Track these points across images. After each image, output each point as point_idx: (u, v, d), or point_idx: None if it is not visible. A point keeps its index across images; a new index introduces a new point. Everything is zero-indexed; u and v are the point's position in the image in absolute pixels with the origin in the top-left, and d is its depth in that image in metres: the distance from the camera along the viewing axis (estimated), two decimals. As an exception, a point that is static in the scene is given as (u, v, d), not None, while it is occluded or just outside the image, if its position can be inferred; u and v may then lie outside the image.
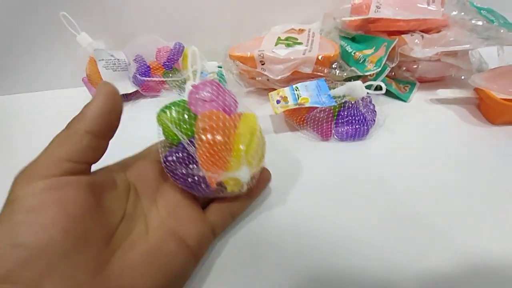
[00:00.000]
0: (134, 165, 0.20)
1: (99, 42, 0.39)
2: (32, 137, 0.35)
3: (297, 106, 0.30)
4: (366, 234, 0.22)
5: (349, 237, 0.22)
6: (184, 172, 0.18)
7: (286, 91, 0.32)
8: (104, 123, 0.16)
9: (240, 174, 0.19)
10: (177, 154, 0.18)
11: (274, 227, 0.23)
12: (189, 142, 0.18)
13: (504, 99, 0.30)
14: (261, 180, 0.22)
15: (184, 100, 0.20)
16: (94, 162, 0.17)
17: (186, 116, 0.19)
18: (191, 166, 0.18)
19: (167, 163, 0.19)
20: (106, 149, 0.17)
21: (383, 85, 0.27)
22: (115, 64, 0.38)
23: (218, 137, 0.18)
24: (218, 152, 0.18)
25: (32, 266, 0.13)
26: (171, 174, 0.19)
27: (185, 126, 0.19)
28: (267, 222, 0.23)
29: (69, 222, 0.14)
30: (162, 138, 0.20)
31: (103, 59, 0.37)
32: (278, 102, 0.32)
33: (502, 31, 0.31)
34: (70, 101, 0.43)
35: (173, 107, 0.19)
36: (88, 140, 0.16)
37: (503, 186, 0.25)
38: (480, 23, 0.32)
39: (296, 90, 0.32)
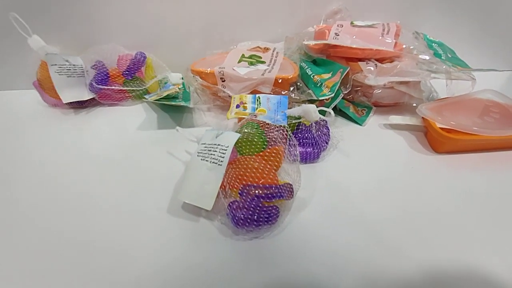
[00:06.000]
0: None
1: (53, 47, 0.37)
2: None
3: (252, 116, 0.30)
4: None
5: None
6: None
7: (248, 98, 0.32)
8: None
9: None
10: None
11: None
12: None
13: (446, 130, 0.32)
14: None
15: None
16: None
17: None
18: None
19: None
20: None
21: (331, 111, 0.28)
22: (69, 69, 0.36)
23: None
24: None
25: None
26: None
27: None
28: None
29: None
30: None
31: (55, 64, 0.35)
32: (238, 106, 0.32)
33: (444, 66, 0.33)
34: (22, 103, 0.41)
35: None
36: None
37: (437, 207, 0.27)
38: (427, 57, 0.34)
39: (258, 100, 0.32)
